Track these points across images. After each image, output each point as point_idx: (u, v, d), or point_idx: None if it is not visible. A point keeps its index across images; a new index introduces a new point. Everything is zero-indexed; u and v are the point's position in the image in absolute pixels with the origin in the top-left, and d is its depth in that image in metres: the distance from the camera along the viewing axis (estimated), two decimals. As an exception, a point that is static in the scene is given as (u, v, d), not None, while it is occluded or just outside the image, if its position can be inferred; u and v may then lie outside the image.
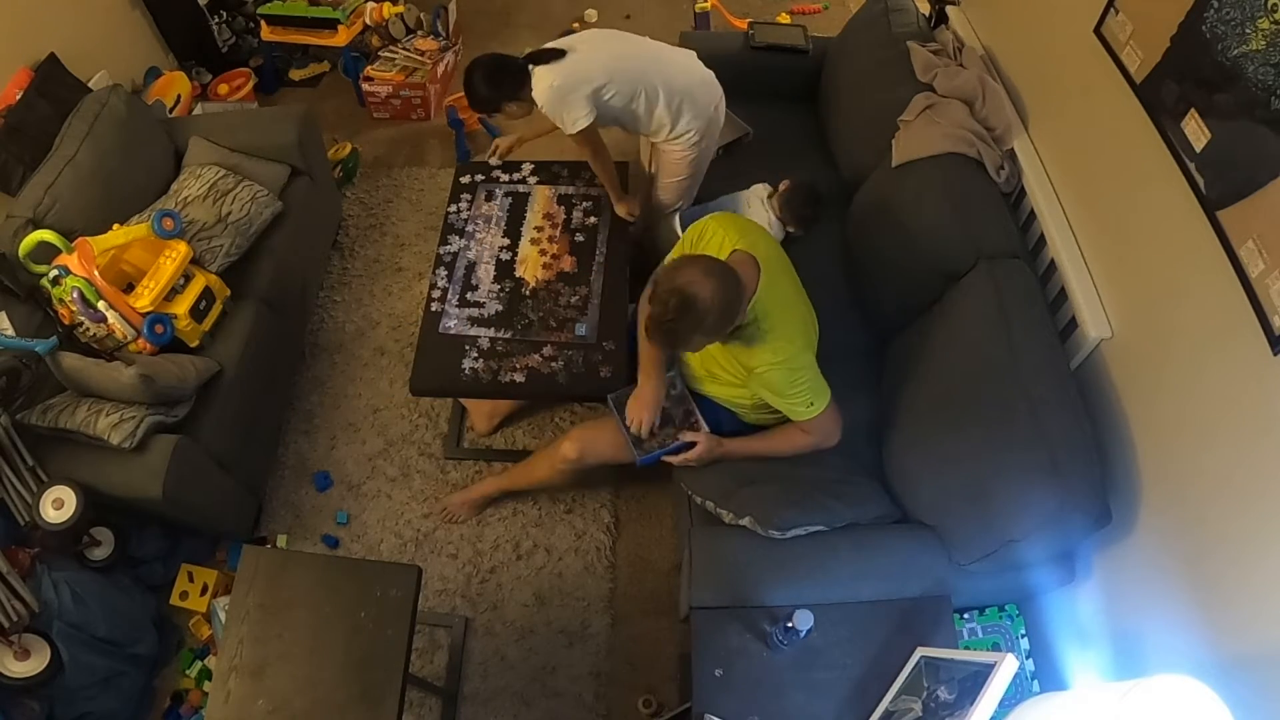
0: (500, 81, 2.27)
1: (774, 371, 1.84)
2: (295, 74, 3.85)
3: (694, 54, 2.46)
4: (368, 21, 3.55)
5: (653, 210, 2.67)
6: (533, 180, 2.70)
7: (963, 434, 1.88)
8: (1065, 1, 2.11)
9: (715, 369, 2.02)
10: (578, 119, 2.25)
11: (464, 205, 2.63)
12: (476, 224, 2.58)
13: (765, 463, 2.03)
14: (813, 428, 1.93)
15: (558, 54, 2.24)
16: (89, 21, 3.06)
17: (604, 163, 2.49)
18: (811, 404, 1.88)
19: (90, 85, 2.85)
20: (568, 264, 2.47)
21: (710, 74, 2.45)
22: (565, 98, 2.22)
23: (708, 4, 3.90)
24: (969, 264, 2.06)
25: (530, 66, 2.24)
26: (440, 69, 3.65)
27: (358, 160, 3.47)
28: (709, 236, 1.97)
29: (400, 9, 3.61)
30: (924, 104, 2.38)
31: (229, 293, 2.50)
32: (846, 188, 2.67)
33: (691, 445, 2.02)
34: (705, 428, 2.07)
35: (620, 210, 2.58)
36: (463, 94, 2.36)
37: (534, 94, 2.25)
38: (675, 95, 2.34)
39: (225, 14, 3.65)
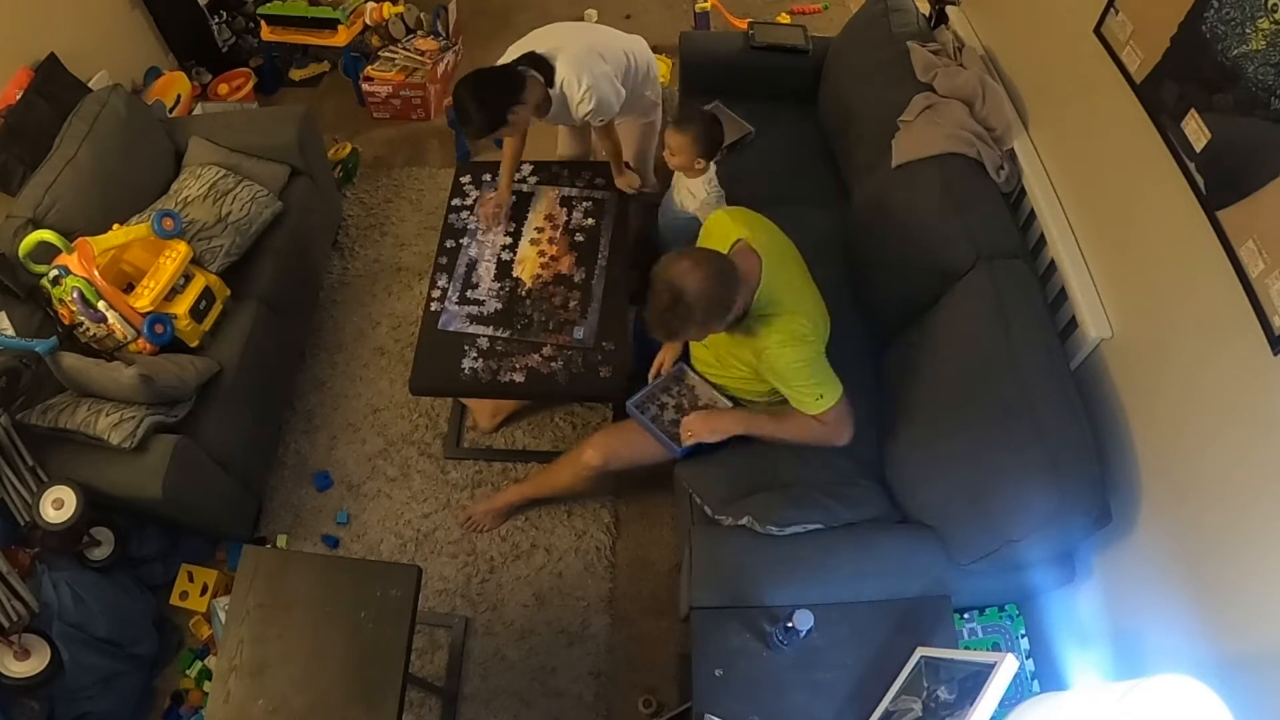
0: (504, 89, 2.14)
1: (782, 350, 1.82)
2: (295, 74, 3.85)
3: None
4: (368, 21, 3.55)
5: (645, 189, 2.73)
6: (534, 180, 2.69)
7: (963, 434, 1.89)
8: (1065, 1, 2.11)
9: (728, 360, 2.02)
10: (617, 106, 2.31)
11: (465, 204, 2.63)
12: (479, 221, 2.58)
13: (766, 466, 2.02)
14: (826, 419, 1.90)
15: (546, 61, 2.22)
16: (89, 21, 3.06)
17: (615, 139, 2.53)
18: (821, 396, 1.86)
19: (90, 85, 2.85)
20: (566, 266, 2.47)
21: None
22: (611, 91, 2.26)
23: (708, 4, 3.90)
24: (969, 264, 2.06)
25: (533, 74, 2.20)
26: (440, 69, 3.64)
27: (358, 160, 3.46)
28: (715, 231, 1.99)
29: (400, 9, 3.61)
30: (924, 104, 2.38)
31: (229, 293, 2.50)
32: (846, 188, 2.67)
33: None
34: (728, 405, 2.11)
35: (622, 184, 2.62)
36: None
37: (572, 107, 2.25)
38: (643, 56, 2.46)
39: (225, 14, 3.65)
